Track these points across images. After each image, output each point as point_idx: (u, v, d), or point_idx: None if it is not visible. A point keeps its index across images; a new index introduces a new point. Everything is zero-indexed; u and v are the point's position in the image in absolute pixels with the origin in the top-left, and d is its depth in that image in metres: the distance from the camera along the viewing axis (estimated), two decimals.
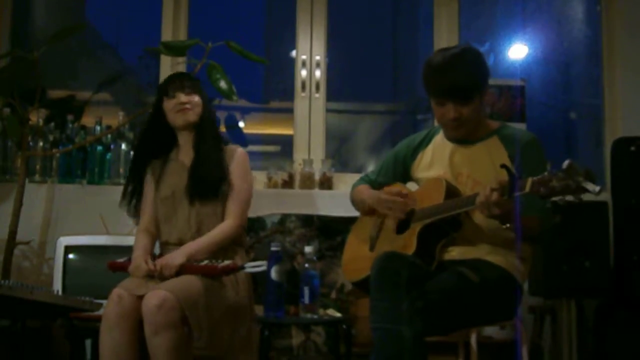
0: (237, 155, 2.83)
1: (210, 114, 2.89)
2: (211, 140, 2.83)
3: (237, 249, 2.79)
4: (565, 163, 2.02)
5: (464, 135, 2.50)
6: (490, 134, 2.51)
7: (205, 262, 2.63)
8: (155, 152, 2.90)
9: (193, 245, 2.67)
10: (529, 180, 2.08)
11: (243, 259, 2.79)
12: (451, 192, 2.42)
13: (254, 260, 3.06)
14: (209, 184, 2.75)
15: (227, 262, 2.61)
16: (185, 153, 2.86)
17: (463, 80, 2.38)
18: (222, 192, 2.75)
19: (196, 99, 2.82)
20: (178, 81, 2.85)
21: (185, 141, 2.86)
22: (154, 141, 2.90)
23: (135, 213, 2.91)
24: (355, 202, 2.80)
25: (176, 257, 2.61)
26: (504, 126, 2.55)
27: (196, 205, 2.75)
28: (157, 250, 2.84)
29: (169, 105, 2.82)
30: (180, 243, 2.73)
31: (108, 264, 2.75)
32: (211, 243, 2.69)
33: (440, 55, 2.45)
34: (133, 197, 2.91)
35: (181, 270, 2.59)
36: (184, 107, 2.79)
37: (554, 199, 2.05)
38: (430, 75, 2.44)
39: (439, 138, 2.61)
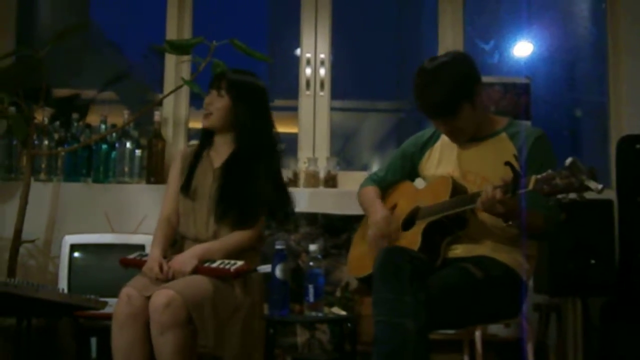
0: None
1: (253, 123, 2.72)
2: (250, 153, 2.69)
3: (251, 253, 2.75)
4: (568, 160, 2.01)
5: (466, 139, 2.50)
6: (498, 131, 2.50)
7: (218, 262, 2.60)
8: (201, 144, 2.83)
9: (207, 247, 2.64)
10: (533, 178, 2.08)
11: (256, 261, 2.77)
12: (457, 190, 2.42)
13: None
14: (240, 207, 2.66)
15: (239, 264, 2.60)
16: (216, 152, 2.79)
17: (439, 100, 2.36)
18: (252, 217, 2.68)
19: (222, 102, 2.72)
20: (217, 79, 2.77)
21: (221, 142, 2.78)
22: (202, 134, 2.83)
23: None
24: (361, 206, 2.80)
25: (188, 262, 2.58)
26: (511, 123, 2.54)
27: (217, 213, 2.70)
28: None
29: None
30: (196, 240, 2.70)
31: (120, 260, 2.72)
32: (226, 249, 2.65)
33: (420, 71, 2.43)
34: None
35: (193, 271, 2.57)
36: (207, 111, 2.73)
37: (558, 196, 2.05)
38: (414, 93, 2.44)
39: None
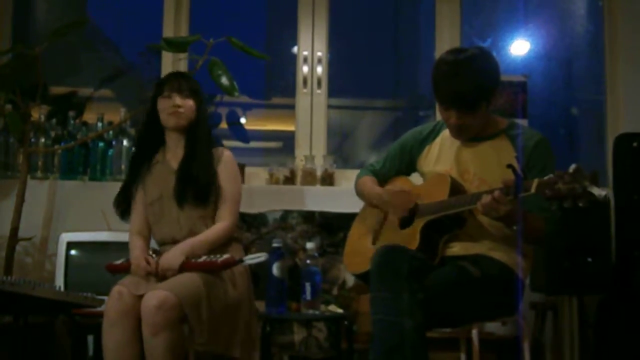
0: (224, 158, 2.81)
1: (204, 118, 2.84)
2: (202, 145, 2.79)
3: (233, 244, 2.79)
4: (572, 167, 2.01)
5: (469, 137, 2.49)
6: (498, 133, 2.50)
7: (204, 257, 2.63)
8: (149, 152, 2.87)
9: (190, 242, 2.67)
10: (535, 181, 2.08)
11: (240, 252, 2.80)
12: (456, 188, 2.42)
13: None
14: (197, 189, 2.72)
15: (226, 256, 2.61)
16: (172, 154, 2.83)
17: (467, 91, 2.34)
18: (211, 197, 2.74)
19: (191, 103, 2.79)
20: (176, 82, 2.81)
21: (174, 142, 2.83)
22: (148, 141, 2.87)
23: (124, 215, 2.89)
24: (359, 195, 2.80)
25: (175, 258, 2.60)
26: (512, 125, 2.53)
27: (185, 209, 2.73)
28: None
29: (162, 104, 2.79)
30: (175, 242, 2.72)
31: (106, 267, 2.74)
32: (207, 242, 2.69)
33: (450, 60, 2.39)
34: (126, 199, 2.88)
35: (181, 268, 2.59)
36: (176, 110, 2.76)
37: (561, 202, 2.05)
38: (436, 80, 2.40)
39: (447, 133, 2.59)
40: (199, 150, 2.78)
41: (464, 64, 2.35)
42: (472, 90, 2.34)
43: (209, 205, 2.75)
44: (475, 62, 2.37)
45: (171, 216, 2.75)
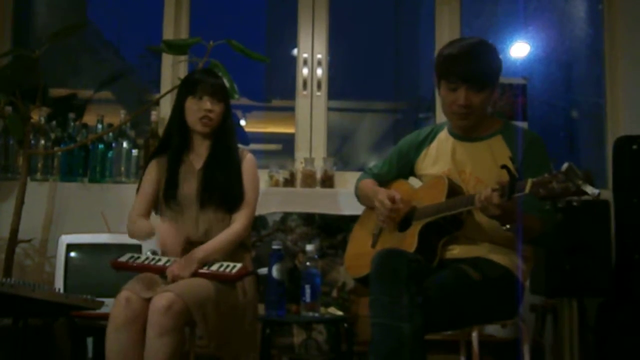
0: (245, 161, 2.82)
1: (231, 122, 2.83)
2: (228, 150, 2.80)
3: (244, 253, 2.79)
4: (565, 165, 2.01)
5: (470, 127, 2.49)
6: (494, 133, 2.51)
7: (216, 266, 2.62)
8: (172, 149, 2.84)
9: (202, 250, 2.65)
10: (529, 181, 2.08)
11: (250, 263, 2.80)
12: (453, 190, 2.42)
13: (255, 257, 3.07)
14: (223, 195, 2.73)
15: (238, 267, 2.61)
16: (196, 155, 2.83)
17: (480, 67, 2.41)
18: (237, 204, 2.75)
19: (221, 107, 2.78)
20: (209, 84, 2.77)
21: (200, 144, 2.83)
22: (173, 138, 2.84)
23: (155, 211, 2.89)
24: (360, 198, 2.81)
25: (187, 266, 2.59)
26: (507, 125, 2.55)
27: (206, 211, 2.74)
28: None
29: (192, 105, 2.77)
30: (187, 241, 2.71)
31: (111, 263, 2.72)
32: (220, 247, 2.68)
33: (458, 43, 2.47)
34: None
35: (193, 275, 2.58)
36: (207, 115, 2.74)
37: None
38: (447, 60, 2.44)
39: (443, 135, 2.61)
40: (225, 154, 2.78)
41: (474, 46, 2.45)
42: (484, 67, 2.42)
43: (229, 209, 2.76)
44: (483, 45, 2.47)
45: (190, 216, 2.75)
